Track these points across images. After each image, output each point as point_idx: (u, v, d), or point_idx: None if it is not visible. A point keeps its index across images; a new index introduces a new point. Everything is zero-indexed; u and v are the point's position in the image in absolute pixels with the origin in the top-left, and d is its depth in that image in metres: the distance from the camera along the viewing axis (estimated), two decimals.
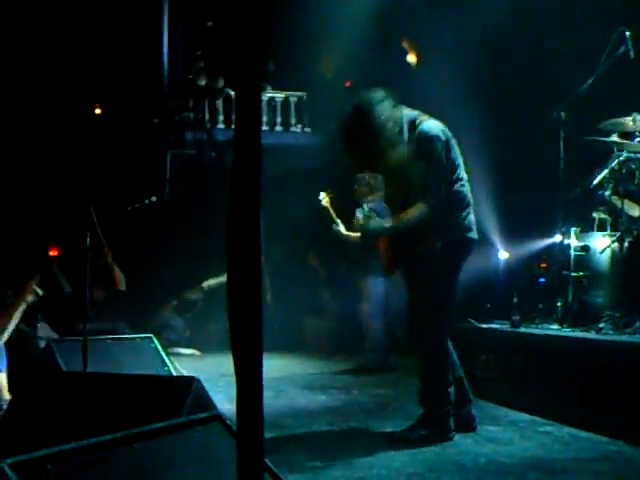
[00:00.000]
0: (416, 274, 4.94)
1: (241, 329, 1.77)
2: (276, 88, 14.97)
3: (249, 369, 1.78)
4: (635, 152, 6.69)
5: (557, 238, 7.15)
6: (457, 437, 4.85)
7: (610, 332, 5.90)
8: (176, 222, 11.53)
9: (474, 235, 5.00)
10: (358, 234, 7.65)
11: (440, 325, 4.93)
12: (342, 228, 8.05)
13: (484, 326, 6.93)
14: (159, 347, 5.20)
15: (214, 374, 6.90)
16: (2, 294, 6.70)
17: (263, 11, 1.74)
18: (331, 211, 8.03)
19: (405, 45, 12.02)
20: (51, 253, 10.82)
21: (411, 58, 12.00)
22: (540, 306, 7.29)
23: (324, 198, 7.98)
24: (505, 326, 6.69)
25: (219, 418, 2.90)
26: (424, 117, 4.92)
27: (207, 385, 3.91)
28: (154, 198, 8.29)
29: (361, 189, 8.07)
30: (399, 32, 11.63)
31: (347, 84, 13.15)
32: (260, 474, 1.78)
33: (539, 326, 6.71)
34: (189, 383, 3.60)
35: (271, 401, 6.22)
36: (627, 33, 6.78)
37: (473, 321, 7.02)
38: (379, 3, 10.47)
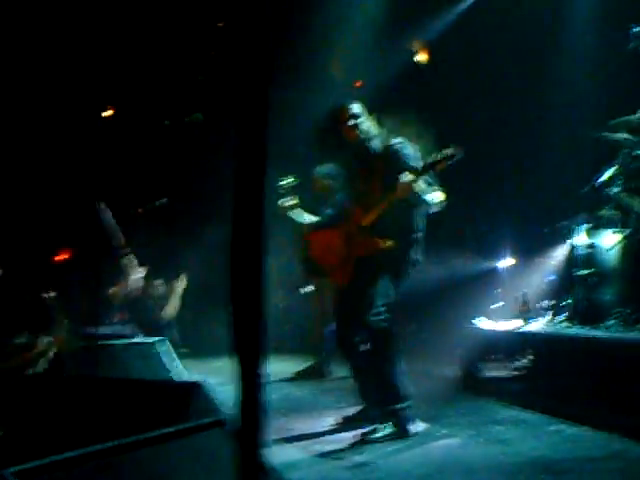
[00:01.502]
0: (372, 272, 5.09)
1: (243, 331, 1.79)
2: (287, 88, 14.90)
3: (251, 371, 1.79)
4: None
5: (565, 249, 7.12)
6: (465, 437, 4.87)
7: (619, 329, 5.89)
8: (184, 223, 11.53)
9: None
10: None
11: (394, 322, 5.10)
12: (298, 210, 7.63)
13: (492, 324, 6.92)
14: (168, 351, 5.21)
15: (222, 378, 6.89)
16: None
17: (267, 16, 1.75)
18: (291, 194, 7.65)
19: (414, 45, 11.99)
20: (61, 256, 10.86)
21: (420, 57, 11.96)
22: (549, 304, 7.27)
23: (289, 183, 7.60)
24: (513, 325, 6.68)
25: (224, 423, 2.91)
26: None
27: (215, 389, 3.92)
28: (165, 200, 8.29)
29: (321, 183, 7.92)
30: (409, 31, 11.60)
31: (357, 84, 13.10)
32: (260, 475, 1.79)
33: (548, 324, 6.70)
34: (196, 387, 3.60)
35: (278, 403, 6.22)
36: (636, 29, 6.77)
37: (482, 320, 7.02)
38: (389, 3, 10.48)
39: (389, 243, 5.08)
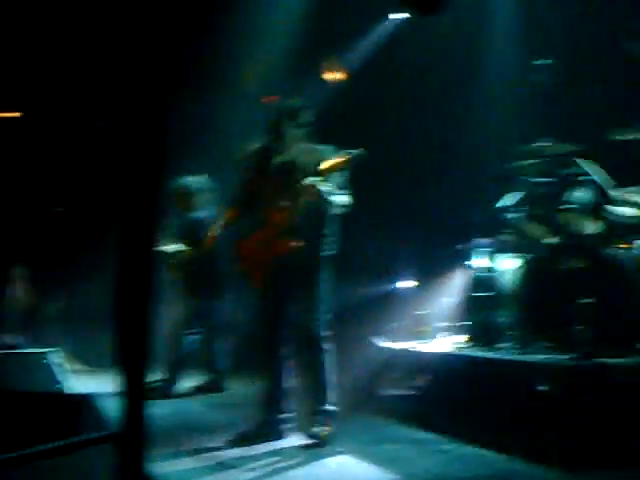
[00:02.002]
0: (304, 286, 5.40)
1: (126, 344, 1.76)
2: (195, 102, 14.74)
3: (135, 385, 1.77)
4: (541, 176, 6.86)
5: (464, 272, 7.24)
6: (359, 455, 4.88)
7: (512, 351, 6.00)
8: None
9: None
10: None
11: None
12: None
13: (388, 344, 6.98)
14: (55, 362, 5.07)
15: (111, 390, 6.76)
16: None
17: (173, 26, 1.74)
18: None
19: (326, 63, 12.07)
20: None
21: (332, 76, 12.04)
22: (448, 325, 7.38)
23: None
24: (409, 344, 6.76)
25: (113, 437, 2.85)
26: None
27: (104, 402, 3.83)
28: (61, 208, 8.09)
29: (182, 197, 7.98)
30: (321, 49, 11.66)
31: (269, 100, 13.05)
32: None
33: (445, 345, 6.80)
34: (84, 400, 3.53)
35: (169, 418, 6.15)
36: (543, 63, 6.97)
37: (377, 339, 7.06)
38: (302, 19, 10.52)
39: (300, 243, 5.32)
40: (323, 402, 5.35)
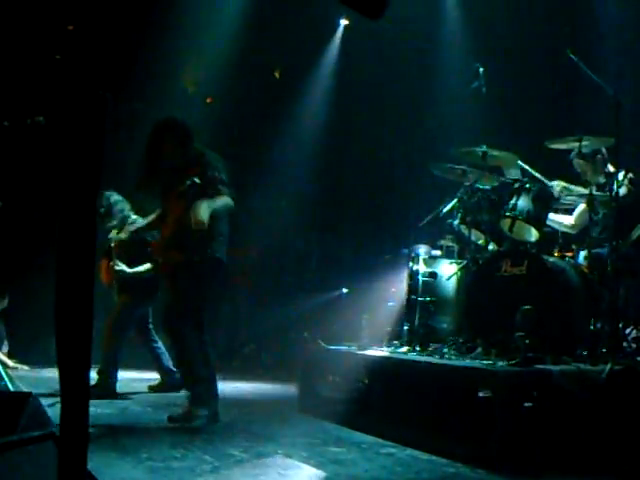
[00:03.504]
0: (175, 281, 5.82)
1: (68, 343, 1.72)
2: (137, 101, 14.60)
3: (75, 384, 1.73)
4: (483, 183, 6.93)
5: (406, 277, 7.26)
6: (300, 458, 4.83)
7: (453, 357, 6.04)
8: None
9: (224, 258, 5.89)
10: None
11: (191, 323, 5.83)
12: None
13: (331, 347, 6.97)
14: None
15: (54, 389, 6.61)
16: None
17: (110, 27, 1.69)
18: None
19: (271, 65, 12.09)
20: None
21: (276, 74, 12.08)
22: (389, 329, 7.41)
23: None
24: (352, 348, 6.76)
25: (54, 436, 2.77)
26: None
27: (45, 401, 3.73)
28: None
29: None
30: (263, 49, 11.66)
31: (208, 100, 13.02)
32: None
33: (386, 349, 6.81)
34: (24, 399, 3.41)
35: (113, 419, 6.06)
36: (481, 70, 7.04)
37: (321, 342, 7.05)
38: (243, 19, 10.51)
39: (178, 257, 5.76)
40: (190, 382, 5.87)
